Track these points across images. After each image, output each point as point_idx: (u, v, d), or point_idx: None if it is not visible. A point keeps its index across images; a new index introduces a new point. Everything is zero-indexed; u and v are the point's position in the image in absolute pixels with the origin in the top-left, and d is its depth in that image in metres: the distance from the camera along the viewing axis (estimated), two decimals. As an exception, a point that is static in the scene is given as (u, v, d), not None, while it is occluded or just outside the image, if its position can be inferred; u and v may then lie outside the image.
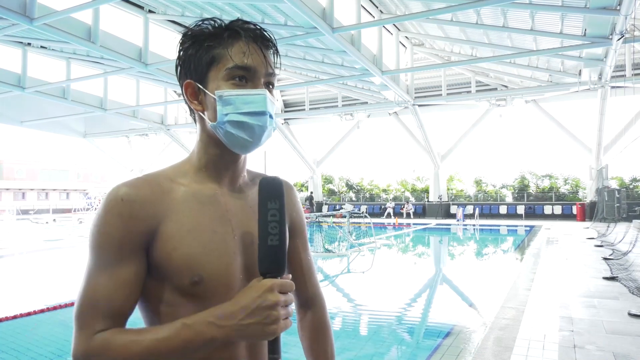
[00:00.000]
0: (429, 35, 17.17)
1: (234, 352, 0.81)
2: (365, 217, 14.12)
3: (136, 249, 0.77)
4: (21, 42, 15.58)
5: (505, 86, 20.25)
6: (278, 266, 0.75)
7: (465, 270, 9.26)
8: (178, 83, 0.89)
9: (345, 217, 12.96)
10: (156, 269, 0.79)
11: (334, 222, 13.12)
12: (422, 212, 25.29)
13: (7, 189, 44.39)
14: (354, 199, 30.84)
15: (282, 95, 25.31)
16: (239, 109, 0.81)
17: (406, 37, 18.19)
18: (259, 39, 0.84)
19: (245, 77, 0.82)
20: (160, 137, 28.00)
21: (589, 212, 20.43)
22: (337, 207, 24.84)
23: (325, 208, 27.16)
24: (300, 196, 27.45)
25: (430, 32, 16.96)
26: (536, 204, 23.60)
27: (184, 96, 0.87)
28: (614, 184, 21.63)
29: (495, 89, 20.50)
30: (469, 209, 23.41)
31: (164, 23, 14.99)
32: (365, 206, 26.81)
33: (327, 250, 10.84)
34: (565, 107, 24.19)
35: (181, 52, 0.85)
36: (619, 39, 10.99)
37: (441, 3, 10.92)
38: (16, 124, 23.69)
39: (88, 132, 28.72)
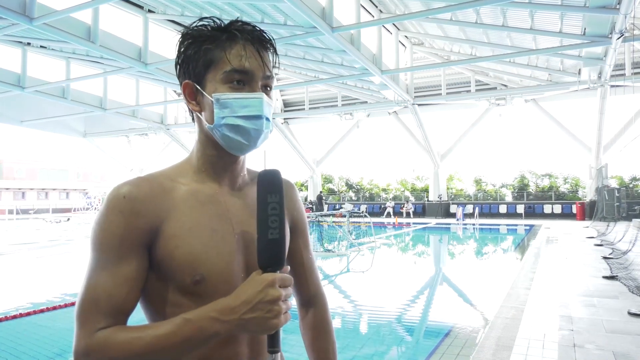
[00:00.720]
0: (429, 35, 17.17)
1: (234, 346, 0.82)
2: (365, 216, 14.13)
3: (138, 247, 0.77)
4: (21, 42, 15.58)
5: (505, 85, 20.25)
6: (278, 260, 0.75)
7: (465, 270, 9.27)
8: (177, 83, 0.89)
9: (345, 216, 12.96)
10: (158, 267, 0.79)
11: (333, 222, 13.12)
12: (421, 211, 25.30)
13: (7, 189, 44.37)
14: (353, 198, 30.84)
15: (281, 95, 25.31)
16: (235, 112, 0.81)
17: (406, 36, 18.19)
18: (257, 41, 0.84)
19: (242, 80, 0.82)
20: (160, 137, 28.00)
21: (588, 211, 20.44)
22: (337, 207, 24.85)
23: (325, 207, 27.17)
24: (302, 195, 27.44)
25: (429, 32, 16.96)
26: (536, 203, 23.61)
27: (183, 96, 0.87)
28: (613, 183, 21.65)
29: (495, 88, 20.51)
30: (469, 209, 23.42)
31: (163, 23, 14.99)
32: (365, 205, 26.83)
33: (327, 250, 10.84)
34: (564, 106, 24.24)
35: (180, 52, 0.85)
36: (618, 38, 10.99)
37: (441, 2, 10.92)
38: (16, 124, 23.69)
39: (88, 132, 28.72)
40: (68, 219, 27.32)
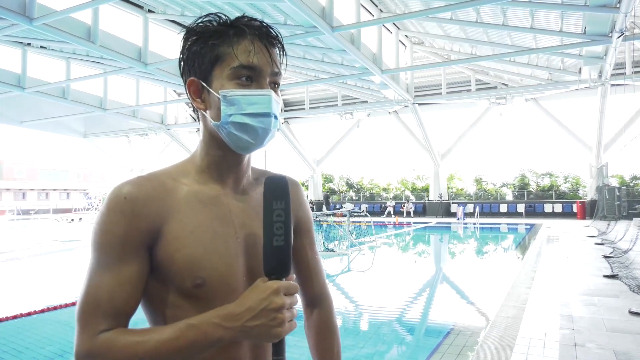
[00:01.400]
0: (429, 34, 17.16)
1: (237, 353, 0.81)
2: (366, 216, 14.13)
3: (139, 248, 0.76)
4: (21, 42, 15.58)
5: (505, 84, 20.24)
6: (283, 267, 0.74)
7: (466, 269, 9.26)
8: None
9: (345, 215, 12.96)
10: (159, 269, 0.78)
11: (334, 221, 13.12)
12: (422, 210, 25.30)
13: (8, 189, 44.39)
14: (354, 197, 30.84)
15: (282, 95, 25.14)
16: (243, 109, 0.79)
17: (406, 35, 18.18)
18: (265, 37, 0.82)
19: (250, 76, 0.80)
20: (160, 137, 28.00)
21: (589, 210, 20.43)
22: (338, 206, 24.84)
23: (324, 207, 27.17)
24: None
25: (430, 31, 16.95)
26: (536, 202, 23.60)
27: (187, 93, 0.85)
28: (614, 182, 21.64)
29: (495, 87, 20.49)
30: (469, 208, 23.41)
31: (163, 23, 14.99)
32: (366, 205, 26.83)
33: (328, 249, 10.84)
34: (565, 105, 24.27)
35: (185, 49, 0.84)
36: (618, 37, 10.97)
37: (441, 1, 10.91)
38: (16, 124, 23.69)
39: (88, 132, 28.73)
40: (80, 219, 27.61)
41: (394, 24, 16.91)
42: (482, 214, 23.06)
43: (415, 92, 20.68)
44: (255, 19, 0.83)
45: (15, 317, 5.23)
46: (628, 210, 18.96)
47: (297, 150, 27.38)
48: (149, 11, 14.28)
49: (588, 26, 11.82)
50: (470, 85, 20.42)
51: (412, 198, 28.34)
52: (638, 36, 12.72)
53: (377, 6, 15.06)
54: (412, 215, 24.67)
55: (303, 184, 31.65)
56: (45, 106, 20.47)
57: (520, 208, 23.23)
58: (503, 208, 23.83)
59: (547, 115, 21.42)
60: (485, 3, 10.33)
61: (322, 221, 12.89)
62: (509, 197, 26.57)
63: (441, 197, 24.05)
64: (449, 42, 17.41)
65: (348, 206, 16.33)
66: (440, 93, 20.73)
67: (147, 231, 0.76)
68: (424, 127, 22.07)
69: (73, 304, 5.71)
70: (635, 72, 15.73)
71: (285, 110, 25.55)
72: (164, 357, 0.69)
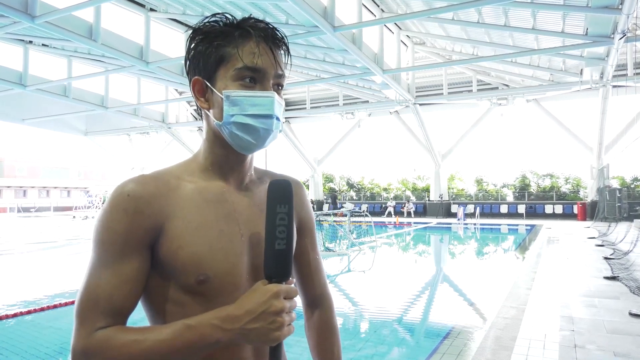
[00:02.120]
0: (430, 34, 17.15)
1: (240, 352, 0.81)
2: (366, 215, 14.12)
3: (140, 246, 0.76)
4: (22, 40, 15.58)
5: (507, 85, 20.22)
6: (284, 271, 0.74)
7: (466, 270, 9.26)
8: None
9: (346, 215, 12.96)
10: (161, 266, 0.78)
11: (334, 221, 13.12)
12: (422, 211, 25.29)
13: (9, 187, 44.43)
14: (354, 197, 30.83)
15: (283, 94, 25.18)
16: (245, 110, 0.80)
17: (407, 35, 18.17)
18: (270, 39, 0.82)
19: (254, 78, 0.81)
20: (161, 136, 28.02)
21: (590, 212, 20.41)
22: (338, 206, 24.84)
23: (325, 207, 27.16)
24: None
25: (431, 31, 16.94)
26: (537, 203, 23.59)
27: (191, 92, 0.86)
28: (615, 184, 21.62)
29: (497, 88, 20.48)
30: (470, 208, 23.41)
31: (165, 21, 14.98)
32: (366, 205, 26.83)
33: (328, 249, 10.84)
34: (566, 107, 24.14)
35: (191, 48, 0.84)
36: (620, 38, 10.96)
37: (442, 2, 10.90)
38: (17, 122, 23.73)
39: (89, 130, 28.75)
40: (86, 217, 27.99)
41: (395, 24, 16.91)
42: (483, 214, 23.05)
43: (416, 92, 20.68)
44: (261, 21, 0.83)
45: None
46: (629, 212, 18.95)
47: (298, 149, 27.38)
48: (151, 10, 14.28)
49: (590, 27, 11.81)
50: (471, 86, 20.41)
51: (413, 198, 28.33)
52: (640, 38, 12.70)
53: (378, 6, 15.05)
54: (412, 215, 24.67)
55: (304, 184, 31.61)
56: (47, 104, 20.49)
57: (521, 209, 23.22)
58: (503, 209, 23.82)
59: (548, 116, 21.40)
60: (487, 4, 10.32)
61: (323, 221, 12.88)
62: (510, 198, 26.55)
63: (442, 198, 24.04)
64: (450, 42, 17.39)
65: (348, 206, 16.31)
66: (442, 93, 20.72)
67: (150, 229, 0.76)
68: (425, 128, 22.06)
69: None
70: (637, 74, 15.71)
71: (287, 110, 25.53)
72: (160, 356, 0.69)
